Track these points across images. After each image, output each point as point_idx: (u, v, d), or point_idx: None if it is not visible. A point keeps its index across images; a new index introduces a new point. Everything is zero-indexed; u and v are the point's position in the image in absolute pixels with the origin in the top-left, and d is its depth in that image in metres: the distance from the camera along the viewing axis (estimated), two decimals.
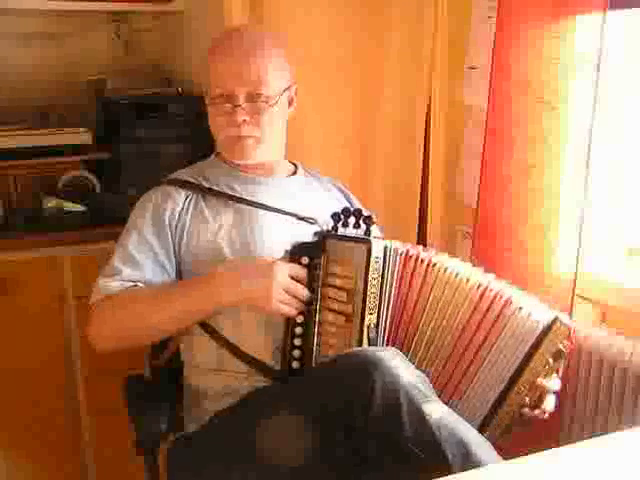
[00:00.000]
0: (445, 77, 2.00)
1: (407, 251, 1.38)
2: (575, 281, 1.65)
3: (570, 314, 1.66)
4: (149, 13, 2.30)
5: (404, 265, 1.37)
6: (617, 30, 1.62)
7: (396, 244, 1.38)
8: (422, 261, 1.37)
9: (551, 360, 1.36)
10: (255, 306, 1.36)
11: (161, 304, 1.36)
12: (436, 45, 1.98)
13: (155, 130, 2.07)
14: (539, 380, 1.35)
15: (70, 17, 2.22)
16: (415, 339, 1.38)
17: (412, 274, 1.37)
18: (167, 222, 1.44)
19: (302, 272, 1.36)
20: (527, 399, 1.36)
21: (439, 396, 1.25)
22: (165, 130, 2.09)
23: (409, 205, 2.07)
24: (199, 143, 2.04)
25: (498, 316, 1.35)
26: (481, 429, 1.34)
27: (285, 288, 1.33)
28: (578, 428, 1.68)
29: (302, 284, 1.35)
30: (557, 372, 1.39)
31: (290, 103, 1.53)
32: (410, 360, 1.30)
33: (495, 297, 1.35)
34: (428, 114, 2.02)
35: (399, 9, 1.96)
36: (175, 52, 2.34)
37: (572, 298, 1.65)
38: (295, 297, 1.34)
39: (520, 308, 1.35)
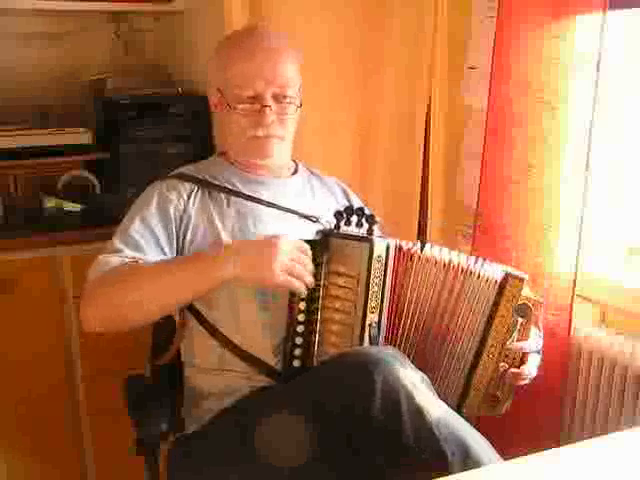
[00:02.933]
0: (445, 77, 2.00)
1: (399, 247, 1.37)
2: (575, 281, 1.65)
3: (570, 314, 1.66)
4: (149, 13, 2.30)
5: (398, 261, 1.37)
6: (617, 30, 1.62)
7: (396, 242, 1.38)
8: (410, 255, 1.37)
9: (518, 318, 1.36)
10: (258, 279, 1.30)
11: (161, 273, 1.33)
12: (436, 45, 1.98)
13: (155, 130, 2.08)
14: (509, 342, 1.36)
15: (70, 17, 2.21)
16: (409, 333, 1.38)
17: (403, 270, 1.37)
18: (172, 212, 1.42)
19: (307, 245, 1.32)
20: (503, 364, 1.37)
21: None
22: (165, 130, 2.09)
23: (409, 205, 2.08)
24: (199, 143, 2.05)
25: (461, 287, 1.37)
26: (461, 399, 1.37)
27: (290, 257, 1.28)
28: (578, 428, 1.68)
29: (307, 257, 1.31)
30: (525, 330, 1.37)
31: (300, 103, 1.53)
32: (407, 353, 1.31)
33: (457, 271, 1.37)
34: (428, 114, 2.03)
35: (399, 9, 1.96)
36: (175, 52, 2.34)
37: (572, 298, 1.66)
38: (300, 273, 1.30)
39: (475, 274, 1.37)
